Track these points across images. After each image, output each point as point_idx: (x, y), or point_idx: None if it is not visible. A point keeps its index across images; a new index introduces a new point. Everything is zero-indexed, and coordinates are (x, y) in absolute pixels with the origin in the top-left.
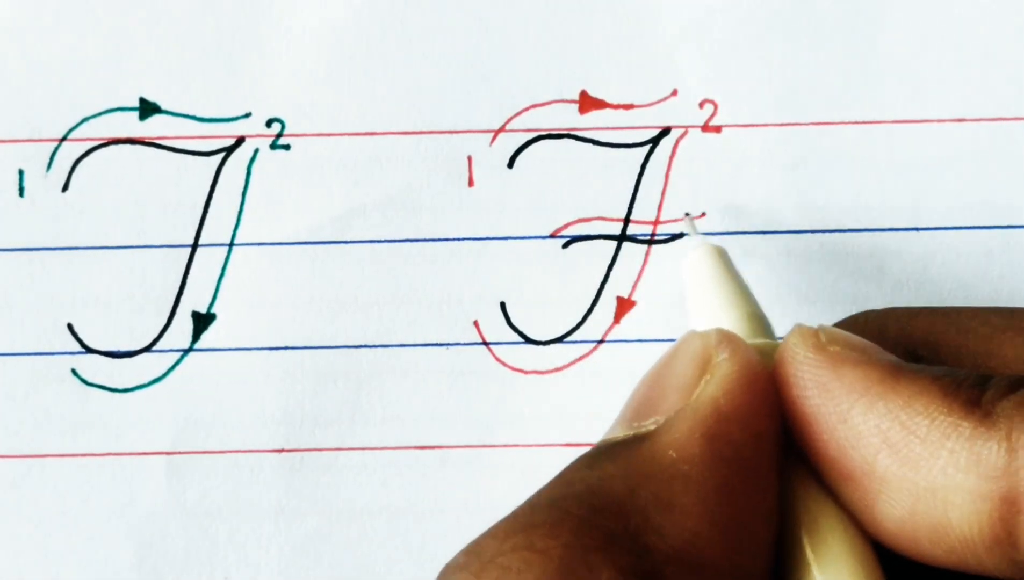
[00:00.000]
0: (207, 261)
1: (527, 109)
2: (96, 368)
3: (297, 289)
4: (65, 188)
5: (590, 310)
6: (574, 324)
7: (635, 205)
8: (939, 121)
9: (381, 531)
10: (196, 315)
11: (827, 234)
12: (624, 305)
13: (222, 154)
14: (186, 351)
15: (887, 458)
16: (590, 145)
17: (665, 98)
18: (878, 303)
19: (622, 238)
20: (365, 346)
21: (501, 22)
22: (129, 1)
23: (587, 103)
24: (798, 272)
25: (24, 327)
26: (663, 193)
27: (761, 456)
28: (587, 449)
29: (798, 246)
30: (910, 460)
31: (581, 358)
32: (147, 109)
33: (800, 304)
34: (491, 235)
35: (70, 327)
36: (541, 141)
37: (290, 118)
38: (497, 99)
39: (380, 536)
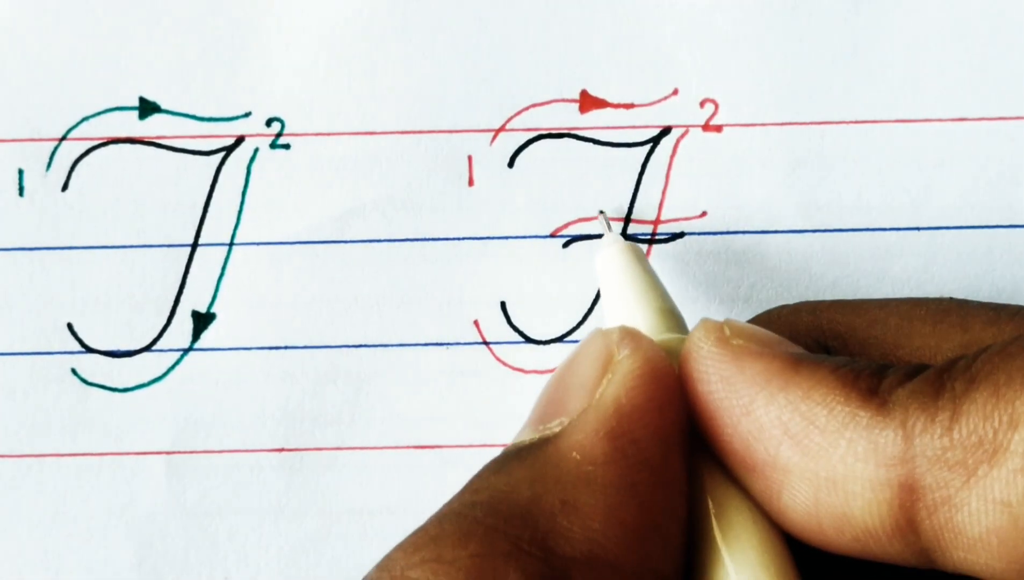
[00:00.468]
0: (207, 261)
1: (527, 109)
2: (96, 368)
3: (297, 289)
4: (65, 188)
5: (590, 310)
6: (574, 324)
7: (635, 204)
8: (939, 121)
9: (381, 531)
10: (196, 315)
11: (827, 234)
12: None
13: (222, 153)
14: (186, 351)
15: (789, 449)
16: (590, 145)
17: (665, 97)
18: None
19: (622, 237)
20: (365, 346)
21: (501, 22)
22: (129, 1)
23: (587, 102)
24: (798, 272)
25: (24, 327)
26: (663, 192)
27: (666, 453)
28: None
29: (798, 246)
30: (810, 451)
31: None
32: (147, 108)
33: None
34: (491, 235)
35: (70, 327)
36: (541, 141)
37: (290, 118)
38: (497, 99)
39: (380, 536)
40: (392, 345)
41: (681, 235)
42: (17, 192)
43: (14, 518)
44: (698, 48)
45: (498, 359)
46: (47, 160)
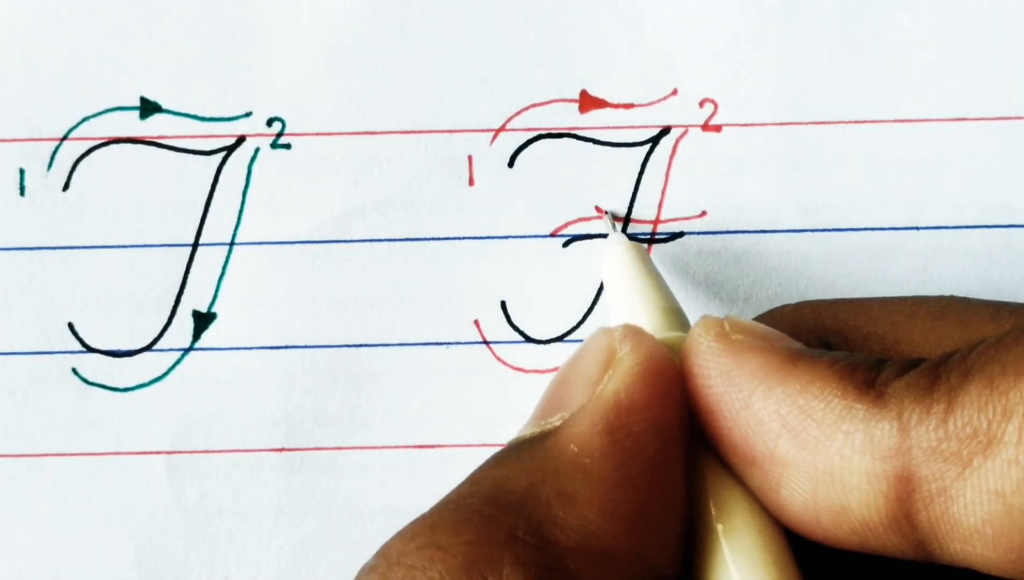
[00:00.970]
0: (207, 260)
1: (527, 109)
2: (96, 367)
3: (297, 289)
4: (66, 187)
5: (590, 309)
6: (574, 323)
7: (635, 204)
8: (939, 121)
9: (381, 531)
10: (197, 314)
11: (827, 234)
12: None
13: (223, 153)
14: (186, 350)
15: (787, 442)
16: (590, 144)
17: (665, 97)
18: None
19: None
20: (365, 346)
21: (501, 22)
22: (129, 1)
23: (587, 102)
24: (798, 272)
25: (24, 327)
26: (663, 192)
27: (665, 447)
28: None
29: (798, 246)
30: (808, 444)
31: None
32: (148, 108)
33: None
34: (491, 234)
35: (70, 326)
36: (541, 140)
37: (291, 117)
38: (497, 99)
39: (380, 536)
40: (392, 345)
41: (681, 235)
42: (18, 192)
43: (14, 518)
44: (698, 48)
45: (498, 359)
46: (48, 160)
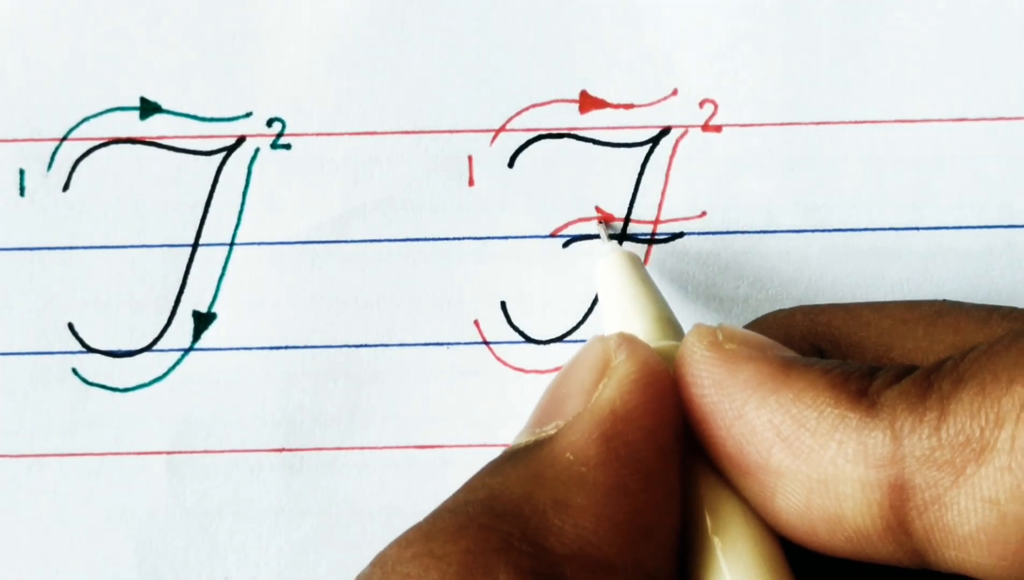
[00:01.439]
0: (207, 260)
1: (527, 109)
2: (96, 368)
3: (297, 289)
4: (66, 188)
5: (590, 310)
6: (574, 324)
7: (635, 205)
8: (939, 121)
9: (381, 531)
10: (196, 314)
11: (827, 234)
12: None
13: (223, 154)
14: (186, 351)
15: (780, 451)
16: (590, 145)
17: (665, 98)
18: None
19: (622, 237)
20: (365, 346)
21: (501, 22)
22: (129, 1)
23: (587, 103)
24: (798, 272)
25: (24, 327)
26: (663, 193)
27: (659, 455)
28: None
29: (798, 246)
30: (802, 453)
31: None
32: (148, 109)
33: (799, 304)
34: (491, 235)
35: (70, 327)
36: (541, 141)
37: (291, 118)
38: (497, 99)
39: (380, 536)
40: (392, 345)
41: (680, 235)
42: (18, 192)
43: (14, 518)
44: (697, 48)
45: (498, 359)
46: (48, 160)
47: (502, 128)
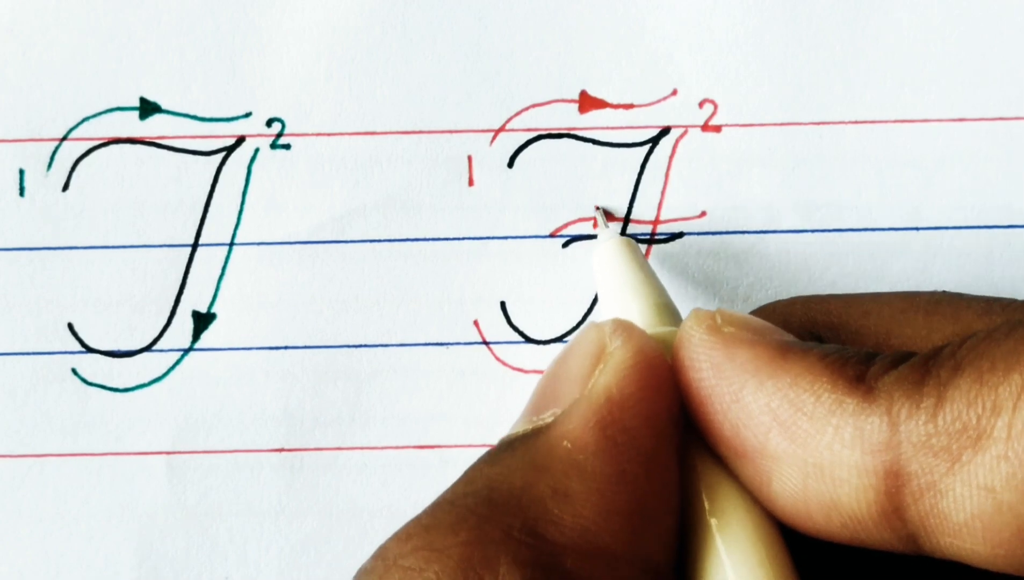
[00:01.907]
0: (207, 260)
1: (527, 109)
2: (96, 368)
3: (297, 289)
4: (65, 188)
5: (589, 310)
6: (574, 324)
7: (635, 204)
8: (939, 121)
9: (381, 531)
10: (196, 315)
11: (826, 234)
12: None
13: (222, 154)
14: (186, 351)
15: (777, 436)
16: (590, 145)
17: (665, 98)
18: None
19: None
20: (365, 346)
21: (501, 22)
22: (129, 1)
23: (587, 103)
24: (798, 272)
25: (24, 327)
26: (663, 193)
27: (657, 441)
28: None
29: (798, 246)
30: (798, 437)
31: None
32: (147, 109)
33: None
34: (491, 235)
35: (70, 327)
36: (541, 141)
37: (290, 118)
38: (497, 99)
39: (380, 536)
40: (392, 345)
41: (680, 235)
42: (18, 192)
43: (14, 518)
44: (697, 48)
45: (498, 359)
46: (48, 160)
47: (502, 128)
